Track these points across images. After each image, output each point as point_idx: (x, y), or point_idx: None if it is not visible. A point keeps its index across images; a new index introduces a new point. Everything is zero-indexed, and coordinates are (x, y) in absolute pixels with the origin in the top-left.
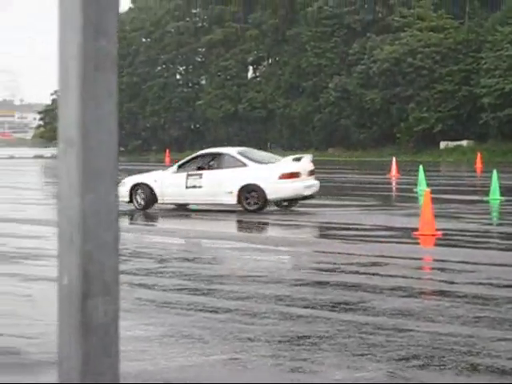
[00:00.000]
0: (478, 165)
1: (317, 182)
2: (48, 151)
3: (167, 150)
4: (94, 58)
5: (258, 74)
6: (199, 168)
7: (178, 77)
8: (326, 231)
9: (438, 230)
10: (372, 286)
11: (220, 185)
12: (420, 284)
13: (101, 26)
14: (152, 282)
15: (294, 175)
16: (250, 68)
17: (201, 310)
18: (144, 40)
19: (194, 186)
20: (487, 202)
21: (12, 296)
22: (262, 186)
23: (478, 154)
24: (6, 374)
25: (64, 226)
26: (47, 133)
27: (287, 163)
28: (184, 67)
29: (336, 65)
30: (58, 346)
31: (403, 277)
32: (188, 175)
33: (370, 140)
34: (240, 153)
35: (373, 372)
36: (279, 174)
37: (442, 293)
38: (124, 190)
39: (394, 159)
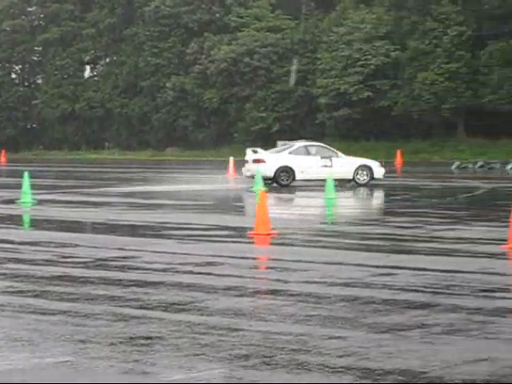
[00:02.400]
0: None
1: None
2: None
3: (3, 150)
4: None
5: (95, 73)
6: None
7: (13, 76)
8: (161, 231)
9: (273, 229)
10: (206, 285)
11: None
12: (254, 283)
13: None
14: None
15: None
16: (87, 67)
17: (32, 312)
18: None
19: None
20: (323, 200)
21: None
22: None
23: None
24: None
25: None
26: None
27: None
28: (20, 66)
29: (174, 64)
30: None
31: (237, 276)
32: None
33: (208, 139)
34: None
35: (206, 372)
36: None
37: (275, 292)
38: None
39: (231, 159)
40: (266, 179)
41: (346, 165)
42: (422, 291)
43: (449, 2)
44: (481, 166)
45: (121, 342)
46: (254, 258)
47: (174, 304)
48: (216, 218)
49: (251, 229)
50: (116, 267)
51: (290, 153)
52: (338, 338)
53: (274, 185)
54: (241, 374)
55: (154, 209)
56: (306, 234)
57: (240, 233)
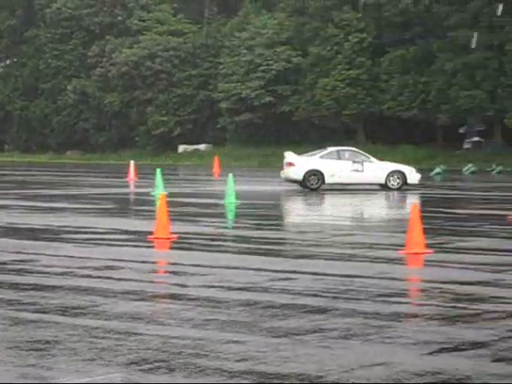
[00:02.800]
0: (216, 168)
1: None
2: None
3: None
4: None
5: None
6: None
7: None
8: (60, 234)
9: (173, 233)
10: (105, 289)
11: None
12: (152, 287)
13: None
14: None
15: None
16: None
17: None
18: None
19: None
20: (223, 205)
21: None
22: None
23: (216, 158)
24: None
25: None
26: None
27: None
28: None
29: (75, 67)
30: None
31: (136, 280)
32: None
33: (109, 143)
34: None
35: (103, 376)
36: None
37: (173, 296)
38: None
39: (131, 162)
40: (295, 182)
41: (377, 170)
42: (321, 296)
43: (350, 9)
44: None
45: (17, 346)
46: (153, 262)
47: (71, 308)
48: (116, 222)
49: (151, 233)
50: (13, 271)
51: (321, 157)
52: (236, 342)
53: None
54: (138, 378)
55: (53, 212)
56: (205, 239)
57: (140, 237)
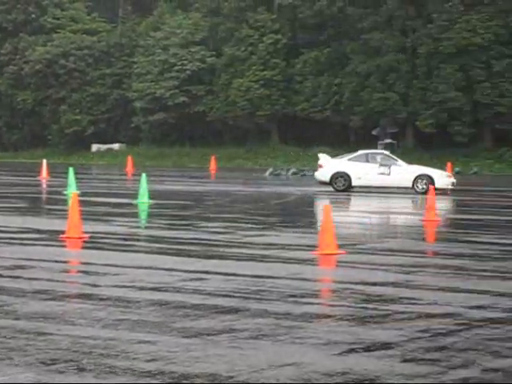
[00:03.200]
0: (129, 168)
1: None
2: None
3: None
4: None
5: None
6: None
7: None
8: None
9: (85, 232)
10: (15, 289)
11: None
12: (64, 287)
13: None
14: None
15: None
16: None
17: None
18: None
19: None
20: (136, 205)
21: None
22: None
23: (129, 157)
24: None
25: None
26: None
27: None
28: None
29: None
30: None
31: (47, 280)
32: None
33: (22, 141)
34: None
35: (12, 376)
36: None
37: (85, 296)
38: None
39: (44, 161)
40: (322, 183)
41: (404, 173)
42: (232, 296)
43: (265, 10)
44: (294, 173)
45: None
46: (64, 262)
47: None
48: (28, 221)
49: (63, 232)
50: None
51: (349, 159)
52: (147, 342)
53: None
54: (48, 378)
55: None
56: (117, 238)
57: (51, 236)
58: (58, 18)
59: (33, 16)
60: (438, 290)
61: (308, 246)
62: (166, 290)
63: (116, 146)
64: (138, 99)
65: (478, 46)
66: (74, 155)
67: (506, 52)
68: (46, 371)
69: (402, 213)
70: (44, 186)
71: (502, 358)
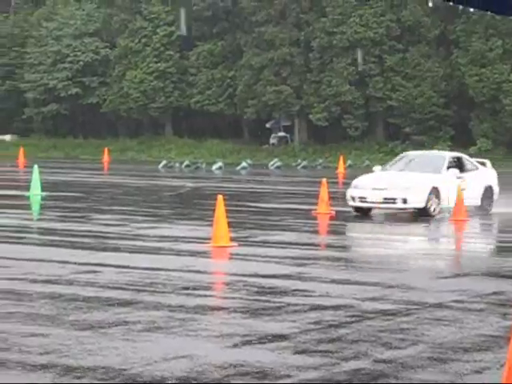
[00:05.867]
0: (21, 159)
1: None
2: None
3: None
4: None
5: None
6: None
7: None
8: None
9: None
10: None
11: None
12: None
13: None
14: None
15: None
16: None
17: None
18: None
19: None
20: (28, 197)
21: None
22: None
23: (21, 149)
24: None
25: None
26: None
27: None
28: None
29: None
30: None
31: None
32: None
33: None
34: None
35: None
36: None
37: None
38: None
39: None
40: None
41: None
42: (125, 289)
43: (158, 2)
44: (187, 166)
45: None
46: None
47: None
48: None
49: None
50: None
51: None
52: (39, 335)
53: None
54: None
55: None
56: (9, 231)
57: None
58: None
59: None
60: (331, 282)
61: (201, 238)
62: (58, 283)
63: (7, 137)
64: (31, 90)
65: (371, 41)
66: None
67: (398, 47)
68: None
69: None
70: None
71: (393, 350)
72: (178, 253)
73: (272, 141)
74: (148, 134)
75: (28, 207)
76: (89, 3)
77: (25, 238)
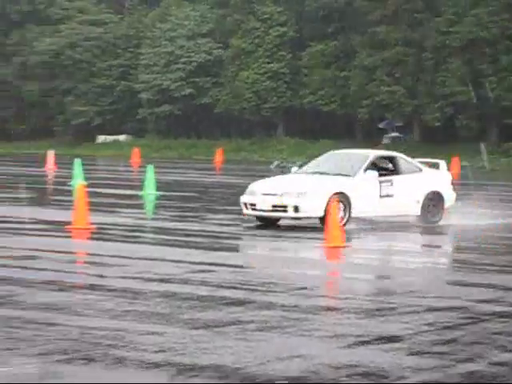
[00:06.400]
0: (135, 159)
1: None
2: None
3: None
4: None
5: None
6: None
7: None
8: None
9: (92, 223)
10: (23, 279)
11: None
12: (71, 278)
13: None
14: None
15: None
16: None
17: None
18: None
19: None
20: (142, 196)
21: None
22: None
23: (135, 149)
24: None
25: None
26: None
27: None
28: None
29: None
30: None
31: (55, 271)
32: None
33: (28, 132)
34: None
35: (20, 367)
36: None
37: (92, 286)
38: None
39: (50, 152)
40: None
41: None
42: (239, 288)
43: (271, 2)
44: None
45: None
46: (71, 253)
47: None
48: (34, 212)
49: (69, 223)
50: None
51: None
52: (155, 333)
53: None
54: (55, 368)
55: None
56: (124, 230)
57: (58, 227)
58: (65, 9)
59: (40, 7)
60: (445, 283)
61: (316, 238)
62: (172, 282)
63: (122, 137)
64: (145, 91)
65: (486, 40)
66: (80, 146)
67: None
68: (53, 361)
69: None
70: (50, 177)
71: (508, 352)
72: (292, 252)
73: (385, 141)
74: (260, 134)
75: (142, 206)
76: (202, 4)
77: (139, 237)
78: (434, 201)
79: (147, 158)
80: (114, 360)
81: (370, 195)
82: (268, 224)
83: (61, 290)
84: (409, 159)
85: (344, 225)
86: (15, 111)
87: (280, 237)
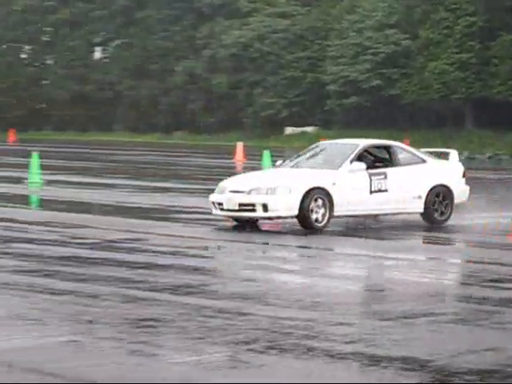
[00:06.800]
0: None
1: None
2: None
3: (12, 130)
4: None
5: (105, 54)
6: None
7: (23, 56)
8: (168, 214)
9: None
10: (214, 269)
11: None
12: (261, 269)
13: None
14: None
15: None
16: (97, 49)
17: (40, 292)
18: None
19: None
20: None
21: None
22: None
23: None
24: None
25: None
26: None
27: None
28: (30, 46)
29: (184, 48)
30: None
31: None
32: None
33: (217, 124)
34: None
35: (212, 355)
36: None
37: (283, 279)
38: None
39: (239, 143)
40: None
41: None
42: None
43: None
44: (489, 157)
45: (128, 324)
46: (252, 242)
47: (181, 287)
48: None
49: None
50: (123, 249)
51: None
52: (344, 324)
53: None
54: (247, 357)
55: (160, 192)
56: None
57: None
58: (253, 2)
59: (229, 0)
60: None
61: None
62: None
63: (309, 129)
64: (332, 82)
65: None
66: (268, 138)
67: None
68: (245, 350)
69: None
70: (239, 168)
71: None
72: (476, 244)
73: None
74: (448, 125)
75: None
76: None
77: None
78: (440, 196)
79: None
80: (305, 350)
81: (357, 190)
82: (244, 224)
83: (252, 280)
84: (410, 149)
85: (324, 226)
86: (204, 103)
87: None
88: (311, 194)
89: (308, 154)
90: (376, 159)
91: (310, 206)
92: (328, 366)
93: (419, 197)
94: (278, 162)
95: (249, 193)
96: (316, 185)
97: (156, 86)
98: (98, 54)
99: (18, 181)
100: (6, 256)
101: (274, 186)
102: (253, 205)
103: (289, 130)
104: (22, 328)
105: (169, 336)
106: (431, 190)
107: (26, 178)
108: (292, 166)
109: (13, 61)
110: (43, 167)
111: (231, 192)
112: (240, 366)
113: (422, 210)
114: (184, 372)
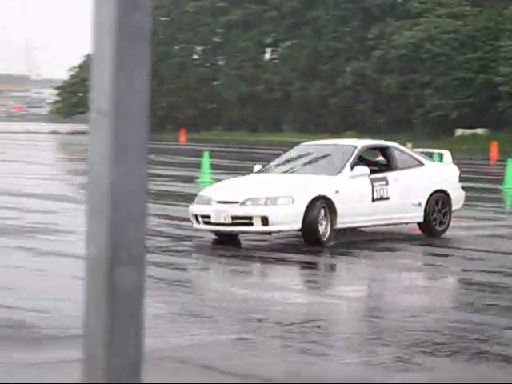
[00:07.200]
0: (493, 153)
1: None
2: (64, 127)
3: (182, 130)
4: (127, 30)
5: (275, 55)
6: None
7: (195, 56)
8: None
9: None
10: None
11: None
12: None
13: (135, 0)
14: (165, 260)
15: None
16: (268, 50)
17: (215, 291)
18: (162, 19)
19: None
20: (502, 190)
21: (24, 270)
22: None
23: (494, 143)
24: (16, 348)
25: (93, 197)
26: (64, 108)
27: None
28: (202, 47)
29: (354, 49)
30: (84, 315)
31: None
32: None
33: (386, 125)
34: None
35: (382, 356)
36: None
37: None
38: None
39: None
40: None
41: None
42: None
43: None
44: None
45: (298, 323)
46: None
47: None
48: None
49: None
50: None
51: None
52: None
53: None
54: (418, 359)
55: None
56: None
57: None
58: (424, 3)
59: (399, 0)
60: None
61: None
62: None
63: (480, 130)
64: (504, 84)
65: None
66: (437, 140)
67: None
68: (417, 352)
69: None
70: None
71: None
72: None
73: None
74: None
75: (501, 200)
76: None
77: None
78: (439, 204)
79: (505, 152)
80: (476, 354)
81: (360, 199)
82: (227, 239)
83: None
84: (406, 150)
85: (328, 240)
86: (373, 104)
87: None
88: (316, 204)
89: (293, 158)
90: (370, 162)
91: (317, 218)
92: (499, 371)
93: (419, 204)
94: (257, 167)
95: (243, 203)
96: (319, 193)
97: (325, 86)
98: (267, 54)
99: (191, 180)
100: (176, 254)
101: (275, 196)
102: (249, 218)
103: (459, 132)
104: (193, 325)
105: (339, 336)
106: (431, 196)
107: (198, 178)
108: (285, 171)
109: (184, 61)
110: (214, 167)
111: (220, 203)
112: (407, 367)
113: (421, 219)
114: (355, 372)
